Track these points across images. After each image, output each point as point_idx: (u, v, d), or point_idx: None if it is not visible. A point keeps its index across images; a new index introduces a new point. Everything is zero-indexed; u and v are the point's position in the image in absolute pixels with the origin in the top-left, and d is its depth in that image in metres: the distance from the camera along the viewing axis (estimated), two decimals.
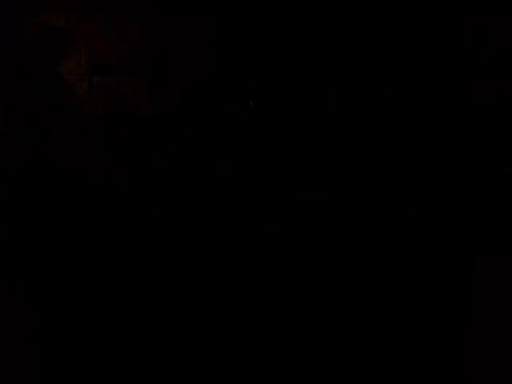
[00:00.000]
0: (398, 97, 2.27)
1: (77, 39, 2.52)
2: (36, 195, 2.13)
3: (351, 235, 2.17)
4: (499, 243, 2.02)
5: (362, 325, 2.08)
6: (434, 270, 2.10)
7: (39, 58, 2.51)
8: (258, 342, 2.04)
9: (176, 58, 2.48)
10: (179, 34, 2.46)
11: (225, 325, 2.08)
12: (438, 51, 2.24)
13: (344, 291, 2.12)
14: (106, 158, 2.51)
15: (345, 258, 2.14)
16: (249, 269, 2.14)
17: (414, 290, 2.09)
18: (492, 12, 2.14)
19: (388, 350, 2.04)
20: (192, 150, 2.43)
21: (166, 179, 2.35)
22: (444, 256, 2.10)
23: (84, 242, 2.13)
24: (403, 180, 2.22)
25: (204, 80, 2.45)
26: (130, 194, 2.31)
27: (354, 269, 2.13)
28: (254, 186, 2.28)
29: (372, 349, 2.04)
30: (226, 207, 2.25)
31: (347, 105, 2.31)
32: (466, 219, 2.10)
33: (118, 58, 2.51)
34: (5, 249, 2.06)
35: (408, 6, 2.25)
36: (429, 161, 2.22)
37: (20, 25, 2.47)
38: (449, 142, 2.21)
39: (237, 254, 2.15)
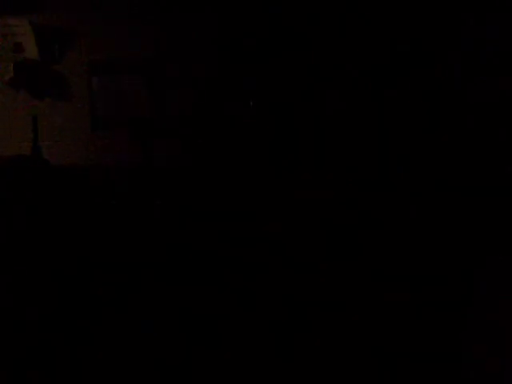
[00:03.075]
0: (398, 97, 2.27)
1: (77, 39, 2.53)
2: (36, 194, 2.13)
3: (351, 235, 2.17)
4: (499, 243, 2.02)
5: (362, 325, 2.08)
6: (433, 269, 2.10)
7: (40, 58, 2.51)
8: (258, 342, 2.04)
9: (176, 57, 2.48)
10: (179, 33, 2.46)
11: (225, 325, 2.08)
12: (438, 51, 2.24)
13: (344, 291, 2.12)
14: (106, 160, 2.52)
15: (345, 258, 2.14)
16: (249, 269, 2.14)
17: (414, 290, 2.09)
18: (492, 12, 2.14)
19: (388, 349, 2.04)
20: (192, 150, 2.43)
21: (166, 179, 2.35)
22: (444, 256, 2.10)
23: (84, 241, 2.13)
24: (403, 180, 2.22)
25: (204, 80, 2.45)
26: (130, 194, 2.31)
27: (354, 269, 2.13)
28: (254, 185, 2.28)
29: (372, 349, 2.04)
30: (226, 207, 2.25)
31: (347, 105, 2.31)
32: (466, 219, 2.10)
33: (118, 57, 2.51)
34: (5, 249, 2.06)
35: (408, 7, 2.25)
36: (429, 161, 2.22)
37: None
38: (449, 141, 2.21)
39: (237, 254, 2.15)
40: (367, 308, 2.10)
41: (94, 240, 2.15)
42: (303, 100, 2.34)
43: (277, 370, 2.01)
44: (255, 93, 2.37)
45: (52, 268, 2.08)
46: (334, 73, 2.32)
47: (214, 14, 2.42)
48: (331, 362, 2.03)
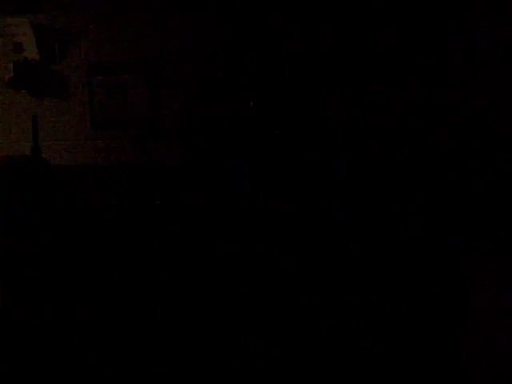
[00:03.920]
0: (398, 97, 2.27)
1: (77, 39, 2.53)
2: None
3: (351, 234, 2.17)
4: (499, 243, 2.02)
5: (361, 325, 2.08)
6: (433, 270, 2.10)
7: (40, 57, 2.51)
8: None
9: (176, 58, 2.48)
10: (179, 34, 2.46)
11: (226, 325, 2.09)
12: (438, 52, 2.24)
13: (344, 291, 2.12)
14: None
15: (344, 258, 2.14)
16: (249, 268, 2.14)
17: (414, 290, 2.09)
18: (492, 12, 2.14)
19: (388, 350, 2.04)
20: (192, 150, 2.43)
21: (166, 179, 2.35)
22: (444, 256, 2.10)
23: (85, 241, 2.14)
24: (402, 180, 2.22)
25: (204, 80, 2.45)
26: (130, 194, 2.31)
27: (353, 269, 2.13)
28: (254, 185, 2.28)
29: (372, 349, 2.04)
30: (226, 207, 2.25)
31: (348, 104, 2.31)
32: (466, 219, 2.10)
33: (118, 57, 2.51)
34: (5, 248, 2.06)
35: (407, 9, 2.25)
36: (428, 161, 2.22)
37: None
38: (448, 141, 2.21)
39: (237, 253, 2.15)
40: (367, 308, 2.10)
41: (94, 240, 2.15)
42: (304, 100, 2.34)
43: (278, 371, 2.01)
44: (255, 93, 2.37)
45: (51, 268, 2.08)
46: (334, 73, 2.32)
47: (214, 14, 2.42)
48: (331, 362, 2.03)
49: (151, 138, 2.48)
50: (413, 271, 2.10)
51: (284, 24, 2.35)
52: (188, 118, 2.45)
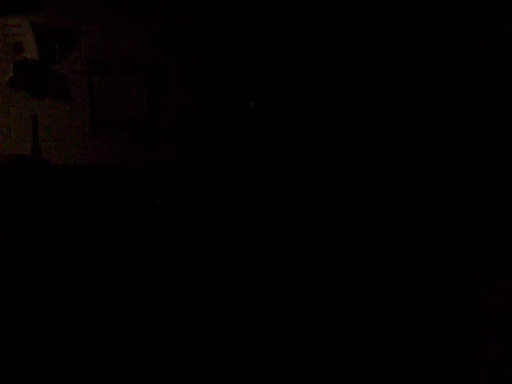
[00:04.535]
0: (398, 97, 2.27)
1: (77, 39, 2.53)
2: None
3: (351, 234, 2.17)
4: (499, 243, 2.01)
5: (361, 327, 2.08)
6: (433, 270, 2.10)
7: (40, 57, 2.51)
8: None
9: (176, 58, 2.48)
10: (179, 34, 2.46)
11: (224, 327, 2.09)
12: (438, 52, 2.24)
13: (344, 291, 2.11)
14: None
15: (344, 259, 2.14)
16: (250, 269, 2.14)
17: (414, 290, 2.09)
18: (492, 12, 2.14)
19: (388, 351, 2.03)
20: (192, 151, 2.43)
21: (165, 179, 2.35)
22: (444, 256, 2.10)
23: (85, 241, 2.13)
24: (403, 180, 2.22)
25: (204, 80, 2.45)
26: (130, 194, 2.31)
27: (353, 269, 2.13)
28: (253, 186, 2.28)
29: (372, 350, 2.04)
30: (226, 207, 2.24)
31: (348, 105, 2.31)
32: (466, 219, 2.10)
33: (118, 57, 2.51)
34: (4, 249, 2.06)
35: (406, 9, 2.25)
36: (428, 161, 2.22)
37: None
38: (449, 141, 2.21)
39: (236, 254, 2.15)
40: (367, 309, 2.10)
41: (94, 240, 2.15)
42: (304, 100, 2.34)
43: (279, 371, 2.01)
44: (255, 93, 2.37)
45: (51, 268, 2.08)
46: (334, 73, 2.32)
47: (214, 14, 2.42)
48: (332, 364, 2.03)
49: (151, 138, 2.48)
50: (413, 271, 2.10)
51: (284, 24, 2.35)
52: (188, 119, 2.45)
